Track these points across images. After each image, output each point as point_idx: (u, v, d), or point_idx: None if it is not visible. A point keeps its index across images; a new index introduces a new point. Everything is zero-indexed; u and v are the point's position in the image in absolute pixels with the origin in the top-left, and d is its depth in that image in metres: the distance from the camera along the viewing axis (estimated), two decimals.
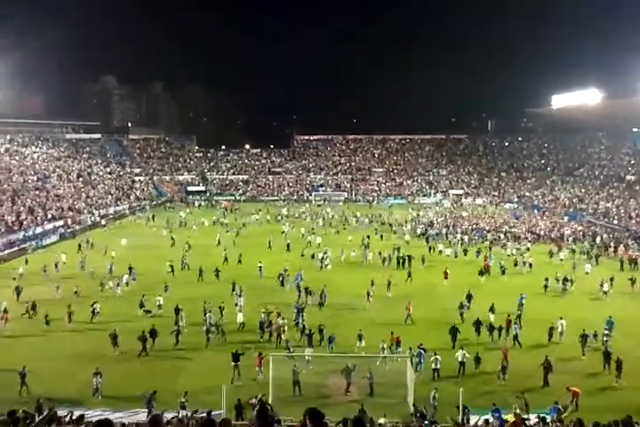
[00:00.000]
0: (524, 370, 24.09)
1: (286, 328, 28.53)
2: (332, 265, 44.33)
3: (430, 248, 50.37)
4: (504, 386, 23.26)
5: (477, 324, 28.97)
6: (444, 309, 33.07)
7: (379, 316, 32.09)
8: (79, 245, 50.05)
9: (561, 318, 28.63)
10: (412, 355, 24.38)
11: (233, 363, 23.69)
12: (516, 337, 27.76)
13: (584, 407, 20.44)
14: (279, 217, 71.12)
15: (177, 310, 30.21)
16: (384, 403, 20.51)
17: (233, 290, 35.49)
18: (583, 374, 24.60)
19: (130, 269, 39.85)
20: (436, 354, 24.23)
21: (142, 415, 19.76)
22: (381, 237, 56.05)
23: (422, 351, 24.78)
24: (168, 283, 36.42)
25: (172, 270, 41.32)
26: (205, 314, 29.68)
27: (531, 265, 43.89)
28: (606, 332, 27.83)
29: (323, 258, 44.71)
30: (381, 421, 17.73)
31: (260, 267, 41.22)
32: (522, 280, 40.36)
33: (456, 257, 48.24)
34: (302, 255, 47.30)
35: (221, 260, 44.55)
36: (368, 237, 53.76)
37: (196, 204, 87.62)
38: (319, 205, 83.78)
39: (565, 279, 38.16)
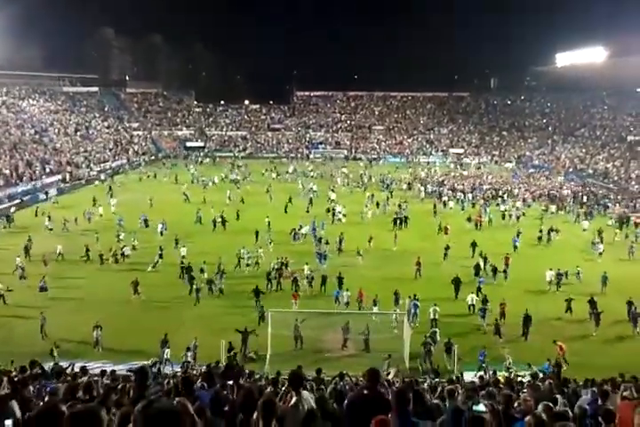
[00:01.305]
0: (510, 323, 24.79)
1: (301, 275, 29.92)
2: (347, 220, 45.36)
3: (444, 203, 52.04)
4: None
5: (477, 267, 31.42)
6: (444, 262, 34.49)
7: (378, 271, 32.74)
8: (94, 199, 49.86)
9: (550, 269, 30.05)
10: (409, 308, 24.96)
11: (255, 298, 26.39)
12: (479, 289, 28.34)
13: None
14: (293, 175, 69.86)
15: (189, 268, 30.72)
16: (381, 358, 20.99)
17: (257, 240, 37.39)
18: (568, 326, 25.57)
19: (145, 220, 42.35)
20: (435, 305, 24.82)
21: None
22: (391, 193, 56.68)
23: (417, 303, 25.38)
24: (179, 236, 37.48)
25: (224, 222, 42.46)
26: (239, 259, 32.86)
27: (518, 218, 46.12)
28: (579, 269, 30.72)
29: (335, 212, 46.13)
30: (392, 371, 18.29)
31: (269, 222, 41.83)
32: (510, 232, 40.85)
33: (463, 209, 50.57)
34: (307, 211, 47.81)
35: (234, 215, 44.79)
36: (391, 193, 56.34)
37: (199, 160, 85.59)
38: (323, 163, 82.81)
39: (551, 229, 40.75)
